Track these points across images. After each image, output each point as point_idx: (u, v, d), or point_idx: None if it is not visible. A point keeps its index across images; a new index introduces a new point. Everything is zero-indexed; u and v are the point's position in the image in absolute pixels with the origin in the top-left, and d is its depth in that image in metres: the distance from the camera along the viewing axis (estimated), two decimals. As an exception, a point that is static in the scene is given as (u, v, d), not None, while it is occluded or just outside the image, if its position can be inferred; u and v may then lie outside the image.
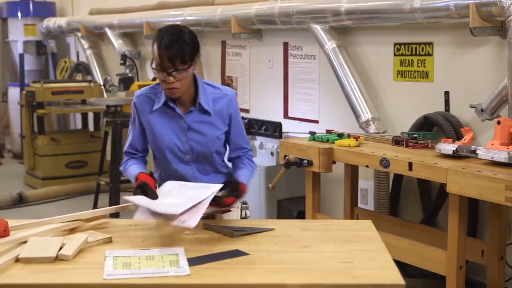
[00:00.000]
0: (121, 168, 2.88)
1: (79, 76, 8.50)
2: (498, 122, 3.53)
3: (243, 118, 4.50)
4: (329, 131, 4.63)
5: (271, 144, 5.31)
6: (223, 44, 6.32)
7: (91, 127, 8.18)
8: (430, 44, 4.43)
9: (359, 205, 4.77)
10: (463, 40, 4.19)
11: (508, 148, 3.41)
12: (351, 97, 4.77)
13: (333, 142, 4.29)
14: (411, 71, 4.57)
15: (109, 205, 5.99)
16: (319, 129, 4.93)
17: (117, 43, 7.67)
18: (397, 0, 4.29)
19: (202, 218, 2.48)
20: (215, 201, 2.55)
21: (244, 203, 2.89)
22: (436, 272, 3.72)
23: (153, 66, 2.66)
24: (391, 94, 4.75)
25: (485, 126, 4.03)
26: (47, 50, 9.30)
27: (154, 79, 6.78)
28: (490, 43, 4.03)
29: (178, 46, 2.60)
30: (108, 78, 6.91)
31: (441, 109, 4.36)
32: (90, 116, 8.19)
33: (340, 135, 4.41)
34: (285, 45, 5.66)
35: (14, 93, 8.96)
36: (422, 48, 4.49)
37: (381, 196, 4.57)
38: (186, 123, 2.76)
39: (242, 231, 2.55)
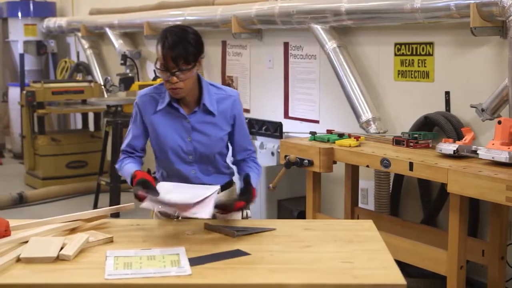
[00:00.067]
0: (116, 166, 2.85)
1: (79, 76, 8.51)
2: (499, 122, 3.53)
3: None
4: (329, 131, 4.63)
5: (271, 144, 5.31)
6: (224, 44, 6.32)
7: (91, 127, 8.18)
8: (431, 44, 4.43)
9: (360, 205, 4.77)
10: (463, 40, 4.19)
11: (509, 148, 3.41)
12: (352, 97, 4.77)
13: (334, 142, 4.29)
14: (412, 71, 4.57)
15: (110, 205, 5.99)
16: (320, 129, 4.93)
17: (118, 43, 7.67)
18: (397, 0, 4.29)
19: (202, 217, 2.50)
20: (226, 206, 2.55)
21: None
22: (436, 272, 3.73)
23: (157, 66, 2.65)
24: (392, 94, 4.75)
25: (485, 126, 4.03)
26: (48, 50, 9.30)
27: (154, 79, 6.79)
28: (490, 43, 4.03)
29: (182, 46, 2.59)
30: (109, 78, 6.91)
31: (441, 109, 4.36)
32: (91, 116, 8.19)
33: (341, 135, 4.41)
34: (286, 45, 5.66)
35: (14, 93, 8.96)
36: (423, 48, 4.49)
37: (381, 196, 4.57)
38: (190, 124, 2.76)
39: (243, 231, 2.55)
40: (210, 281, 2.09)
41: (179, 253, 2.28)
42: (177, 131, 2.76)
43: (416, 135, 4.10)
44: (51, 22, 9.01)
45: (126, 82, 6.73)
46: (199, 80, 2.77)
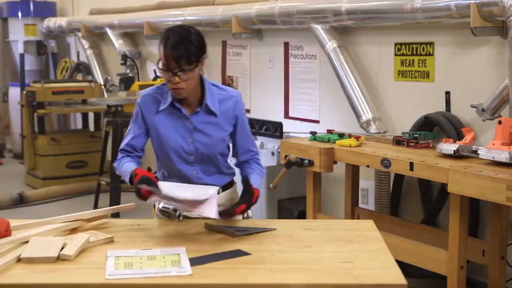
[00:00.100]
0: (114, 164, 2.83)
1: (79, 76, 8.51)
2: (499, 122, 3.53)
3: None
4: (330, 131, 4.63)
5: (272, 144, 5.31)
6: (224, 44, 6.32)
7: (91, 127, 8.18)
8: (431, 44, 4.43)
9: (360, 205, 4.77)
10: (464, 40, 4.19)
11: (509, 148, 3.41)
12: (352, 97, 4.77)
13: (334, 142, 4.29)
14: (412, 71, 4.57)
15: (110, 205, 5.99)
16: (320, 129, 4.93)
17: (118, 43, 7.68)
18: (398, 0, 4.29)
19: (206, 218, 2.50)
20: (227, 211, 2.55)
21: None
22: (437, 272, 3.73)
23: (159, 66, 2.65)
24: (392, 94, 4.75)
25: (486, 126, 4.03)
26: (48, 50, 9.30)
27: (154, 79, 6.79)
28: (491, 43, 4.03)
29: (184, 46, 2.59)
30: (109, 78, 6.91)
31: (442, 109, 4.36)
32: (91, 116, 8.19)
33: (341, 135, 4.41)
34: (286, 45, 5.66)
35: (14, 93, 8.96)
36: (423, 48, 4.49)
37: (382, 196, 4.57)
38: (192, 124, 2.75)
39: (244, 231, 2.55)
40: (211, 281, 2.09)
41: (179, 253, 2.28)
42: (179, 132, 2.76)
43: (417, 135, 4.10)
44: (51, 22, 9.01)
45: (126, 82, 6.73)
46: (201, 80, 2.77)
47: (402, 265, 3.15)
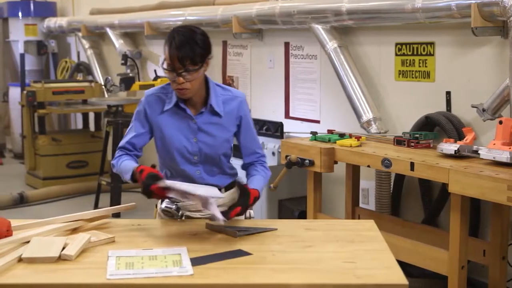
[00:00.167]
0: (113, 161, 2.80)
1: (80, 76, 8.51)
2: (500, 122, 3.53)
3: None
4: (330, 131, 4.63)
5: (272, 144, 5.31)
6: (224, 44, 6.32)
7: (92, 127, 8.18)
8: (432, 44, 4.43)
9: (361, 205, 4.77)
10: (464, 40, 4.19)
11: (510, 148, 3.41)
12: (353, 97, 4.77)
13: (335, 142, 4.29)
14: (413, 71, 4.57)
15: (110, 205, 6.00)
16: (320, 129, 4.93)
17: (118, 43, 7.68)
18: (398, 0, 4.29)
19: (208, 218, 2.50)
20: (223, 214, 2.55)
21: None
22: (438, 272, 3.73)
23: (164, 66, 2.65)
24: (393, 94, 4.75)
25: (486, 126, 4.03)
26: (48, 50, 9.31)
27: (155, 79, 6.79)
28: (491, 43, 4.03)
29: (189, 47, 2.58)
30: (109, 78, 6.91)
31: (442, 109, 4.36)
32: (91, 116, 8.19)
33: (342, 135, 4.41)
34: (286, 45, 5.66)
35: (15, 93, 8.96)
36: (424, 48, 4.49)
37: (382, 196, 4.57)
38: (197, 125, 2.75)
39: (245, 231, 2.55)
40: (212, 281, 2.09)
41: (180, 253, 2.28)
42: (183, 132, 2.75)
43: (417, 135, 4.10)
44: (52, 22, 9.02)
45: (127, 82, 6.73)
46: (206, 80, 2.76)
47: (403, 265, 3.16)
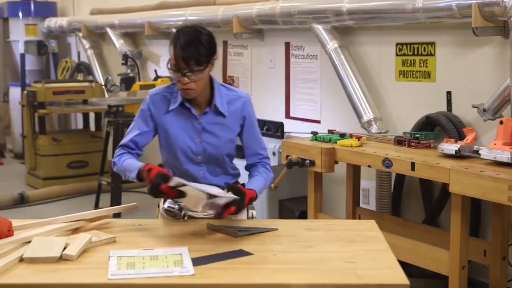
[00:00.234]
0: (114, 159, 2.77)
1: (80, 76, 8.51)
2: (501, 122, 3.53)
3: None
4: (331, 131, 4.63)
5: (273, 144, 5.31)
6: (225, 44, 6.32)
7: (92, 127, 8.18)
8: (432, 44, 4.43)
9: (361, 205, 4.77)
10: (465, 40, 4.19)
11: (511, 148, 3.41)
12: (353, 97, 4.77)
13: (335, 142, 4.29)
14: (413, 71, 4.57)
15: (111, 205, 6.00)
16: (321, 129, 4.93)
17: (118, 43, 7.68)
18: (399, 0, 4.29)
19: (210, 218, 2.50)
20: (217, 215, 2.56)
21: (251, 203, 2.88)
22: (438, 272, 3.73)
23: (169, 66, 2.65)
24: (393, 94, 4.75)
25: (487, 126, 4.03)
26: (48, 50, 9.31)
27: (155, 79, 6.80)
28: (492, 43, 4.03)
29: (194, 47, 2.58)
30: (110, 78, 6.92)
31: (443, 109, 4.36)
32: (91, 116, 8.19)
33: (342, 135, 4.41)
34: (287, 45, 5.66)
35: (15, 93, 8.96)
36: (424, 48, 4.49)
37: (383, 196, 4.57)
38: (201, 125, 2.75)
39: (246, 231, 2.55)
40: (213, 281, 2.09)
41: (182, 253, 2.28)
42: (187, 132, 2.75)
43: (418, 135, 4.10)
44: (52, 22, 9.02)
45: (127, 82, 6.74)
46: (211, 81, 2.76)
47: (404, 265, 3.17)
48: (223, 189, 2.73)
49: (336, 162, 4.26)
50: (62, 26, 8.83)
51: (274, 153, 5.28)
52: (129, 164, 2.70)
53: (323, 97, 5.35)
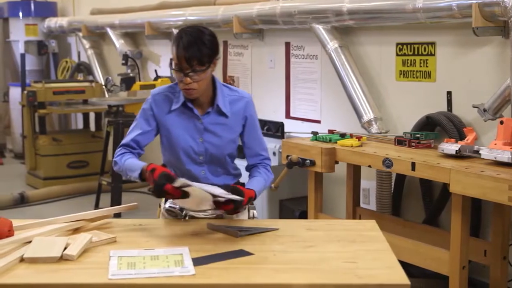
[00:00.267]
0: (115, 159, 2.76)
1: (80, 76, 8.51)
2: (501, 122, 3.53)
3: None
4: (331, 131, 4.63)
5: (273, 144, 5.31)
6: (225, 44, 6.32)
7: (92, 127, 8.18)
8: (433, 44, 4.43)
9: (361, 205, 4.77)
10: (465, 40, 4.19)
11: (511, 148, 3.41)
12: (353, 97, 4.77)
13: (336, 142, 4.29)
14: (414, 71, 4.57)
15: (111, 205, 6.00)
16: (321, 129, 4.93)
17: (119, 43, 7.68)
18: (399, 0, 4.29)
19: (211, 218, 2.50)
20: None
21: (251, 203, 2.88)
22: (439, 272, 3.73)
23: (172, 66, 2.64)
24: (393, 94, 4.75)
25: (487, 126, 4.03)
26: (49, 50, 9.31)
27: (155, 79, 6.80)
28: (492, 43, 4.03)
29: (197, 47, 2.58)
30: (110, 78, 6.92)
31: (443, 109, 4.36)
32: (92, 116, 8.19)
33: (343, 135, 4.41)
34: (287, 45, 5.66)
35: (15, 93, 8.96)
36: (425, 48, 4.49)
37: (383, 196, 4.57)
38: (203, 125, 2.75)
39: (247, 231, 2.55)
40: (214, 281, 2.09)
41: (182, 253, 2.28)
42: (189, 132, 2.75)
43: (418, 135, 4.10)
44: (52, 22, 9.02)
45: (127, 82, 6.74)
46: (213, 81, 2.76)
47: (404, 265, 3.17)
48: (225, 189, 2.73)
49: (337, 162, 4.26)
50: (62, 26, 8.83)
51: (274, 153, 5.28)
52: (131, 164, 2.69)
53: (324, 97, 5.35)
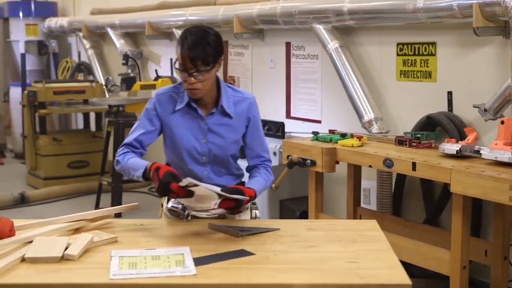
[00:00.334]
0: (118, 157, 2.75)
1: (80, 76, 8.51)
2: (502, 122, 3.53)
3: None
4: (332, 131, 4.63)
5: (273, 144, 5.31)
6: (225, 44, 6.32)
7: (92, 127, 8.18)
8: (433, 44, 4.43)
9: (362, 205, 4.77)
10: (466, 40, 4.19)
11: (512, 148, 3.42)
12: (354, 97, 4.77)
13: (336, 142, 4.29)
14: (414, 71, 4.57)
15: (111, 205, 6.00)
16: (322, 129, 4.93)
17: (119, 43, 7.68)
18: (400, 0, 4.29)
19: (213, 217, 2.50)
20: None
21: (254, 203, 2.88)
22: (439, 272, 3.73)
23: (176, 66, 2.64)
24: (394, 94, 4.75)
25: (488, 126, 4.03)
26: (49, 50, 9.32)
27: (156, 79, 6.79)
28: (493, 43, 4.03)
29: (201, 47, 2.58)
30: (110, 78, 6.91)
31: (444, 109, 4.36)
32: (92, 116, 8.19)
33: (343, 135, 4.41)
34: (288, 45, 5.66)
35: (15, 93, 8.96)
36: (425, 48, 4.49)
37: (383, 196, 4.57)
38: (207, 125, 2.75)
39: (248, 231, 2.55)
40: (215, 281, 2.09)
41: (183, 253, 2.28)
42: (193, 132, 2.75)
43: (419, 135, 4.10)
44: (53, 22, 9.02)
45: (128, 82, 6.73)
46: (217, 81, 2.76)
47: (405, 265, 3.17)
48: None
49: (337, 162, 4.26)
50: (62, 26, 8.83)
51: (275, 153, 5.28)
52: (134, 163, 2.69)
53: (324, 97, 5.35)
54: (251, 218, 2.81)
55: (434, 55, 4.43)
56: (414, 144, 4.05)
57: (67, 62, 9.20)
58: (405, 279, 2.09)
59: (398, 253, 2.36)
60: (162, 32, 6.94)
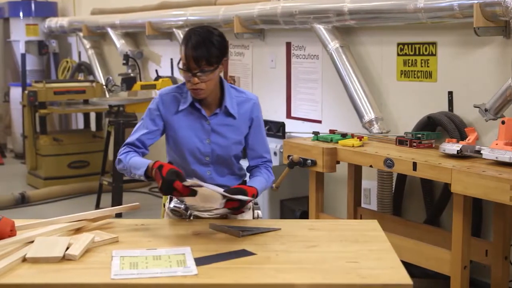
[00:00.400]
0: (120, 157, 2.75)
1: (81, 76, 8.51)
2: (503, 122, 3.54)
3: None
4: (332, 131, 4.63)
5: (274, 144, 5.31)
6: (226, 44, 6.32)
7: (93, 127, 8.18)
8: (434, 44, 4.44)
9: (362, 205, 4.77)
10: (466, 40, 4.19)
11: (513, 148, 3.42)
12: (354, 97, 4.77)
13: (337, 142, 4.29)
14: (415, 71, 4.57)
15: (112, 205, 5.99)
16: (322, 129, 4.93)
17: (119, 43, 7.68)
18: (400, 0, 4.29)
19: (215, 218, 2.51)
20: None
21: (256, 203, 2.88)
22: (440, 272, 3.73)
23: (179, 66, 2.64)
24: (395, 94, 4.75)
25: (489, 126, 4.03)
26: (49, 50, 9.32)
27: (156, 79, 6.80)
28: (494, 43, 4.03)
29: (205, 47, 2.58)
30: (110, 78, 6.91)
31: (444, 109, 4.36)
32: (92, 116, 8.19)
33: (344, 135, 4.41)
34: (288, 45, 5.66)
35: (16, 93, 8.96)
36: (426, 48, 4.49)
37: (384, 196, 4.57)
38: (210, 126, 2.75)
39: (249, 231, 2.55)
40: (216, 281, 2.09)
41: (184, 253, 2.28)
42: (196, 133, 2.74)
43: (419, 135, 4.10)
44: (53, 22, 9.02)
45: (128, 82, 6.74)
46: (221, 82, 2.76)
47: (405, 265, 3.17)
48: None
49: (338, 162, 4.26)
50: (63, 26, 8.83)
51: (275, 153, 5.28)
52: (136, 162, 2.68)
53: (324, 97, 5.35)
54: (253, 218, 2.81)
55: (435, 55, 4.44)
56: (414, 144, 4.05)
57: (67, 62, 9.20)
58: (406, 279, 2.09)
59: (399, 253, 2.36)
60: (163, 32, 6.94)
